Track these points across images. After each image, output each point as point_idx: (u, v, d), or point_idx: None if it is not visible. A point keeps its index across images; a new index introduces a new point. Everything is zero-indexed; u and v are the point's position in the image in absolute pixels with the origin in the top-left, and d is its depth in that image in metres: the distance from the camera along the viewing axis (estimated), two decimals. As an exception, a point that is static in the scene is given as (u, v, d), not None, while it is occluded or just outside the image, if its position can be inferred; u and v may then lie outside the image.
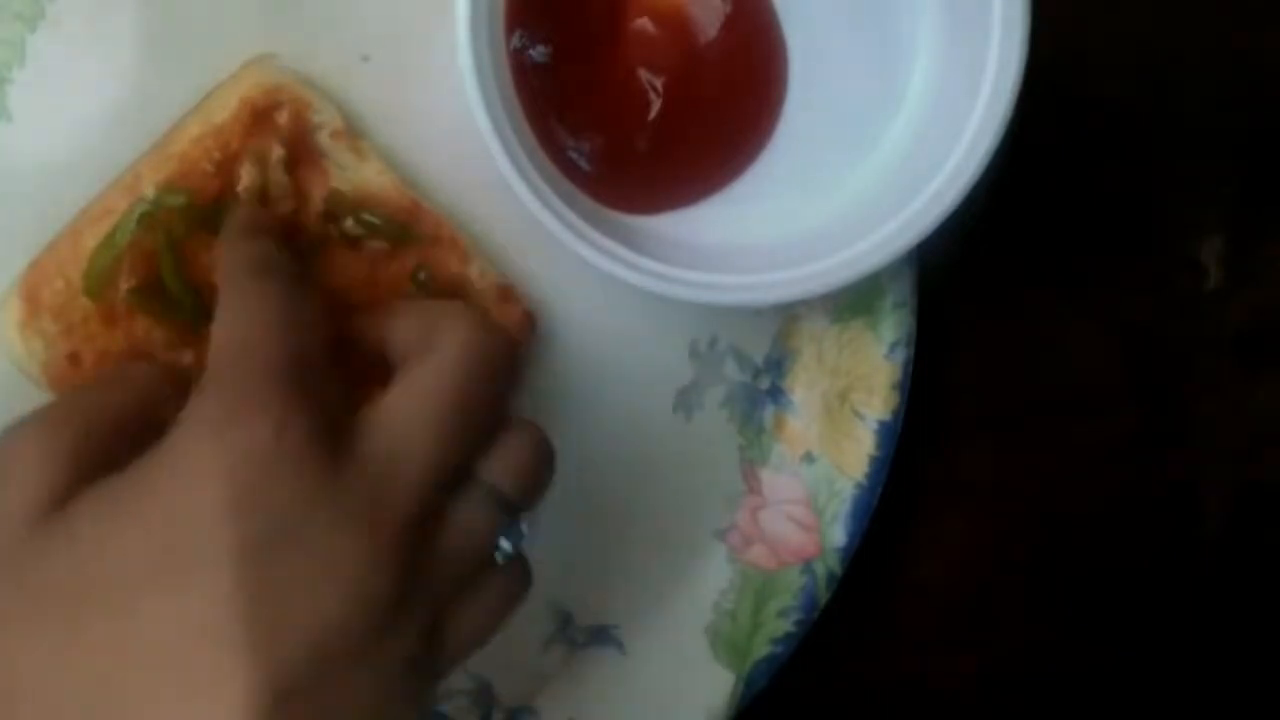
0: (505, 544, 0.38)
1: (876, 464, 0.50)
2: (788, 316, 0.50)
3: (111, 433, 0.36)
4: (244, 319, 0.37)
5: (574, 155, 0.46)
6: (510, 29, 0.45)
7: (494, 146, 0.43)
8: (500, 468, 0.38)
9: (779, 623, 0.50)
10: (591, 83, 0.47)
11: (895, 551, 0.53)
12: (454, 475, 0.37)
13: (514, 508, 0.38)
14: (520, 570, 0.39)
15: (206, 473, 0.33)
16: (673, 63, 0.47)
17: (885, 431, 0.50)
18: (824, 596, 0.50)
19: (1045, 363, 0.54)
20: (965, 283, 0.52)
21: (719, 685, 0.50)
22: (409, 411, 0.36)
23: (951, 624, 0.54)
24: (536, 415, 0.48)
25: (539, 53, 0.46)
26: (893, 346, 0.50)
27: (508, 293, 0.46)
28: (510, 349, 0.40)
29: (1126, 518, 0.55)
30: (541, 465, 0.39)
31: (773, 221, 0.48)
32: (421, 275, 0.45)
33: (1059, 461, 0.54)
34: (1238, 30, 0.54)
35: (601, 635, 0.50)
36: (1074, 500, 0.55)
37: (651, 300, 0.45)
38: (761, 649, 0.50)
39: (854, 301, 0.50)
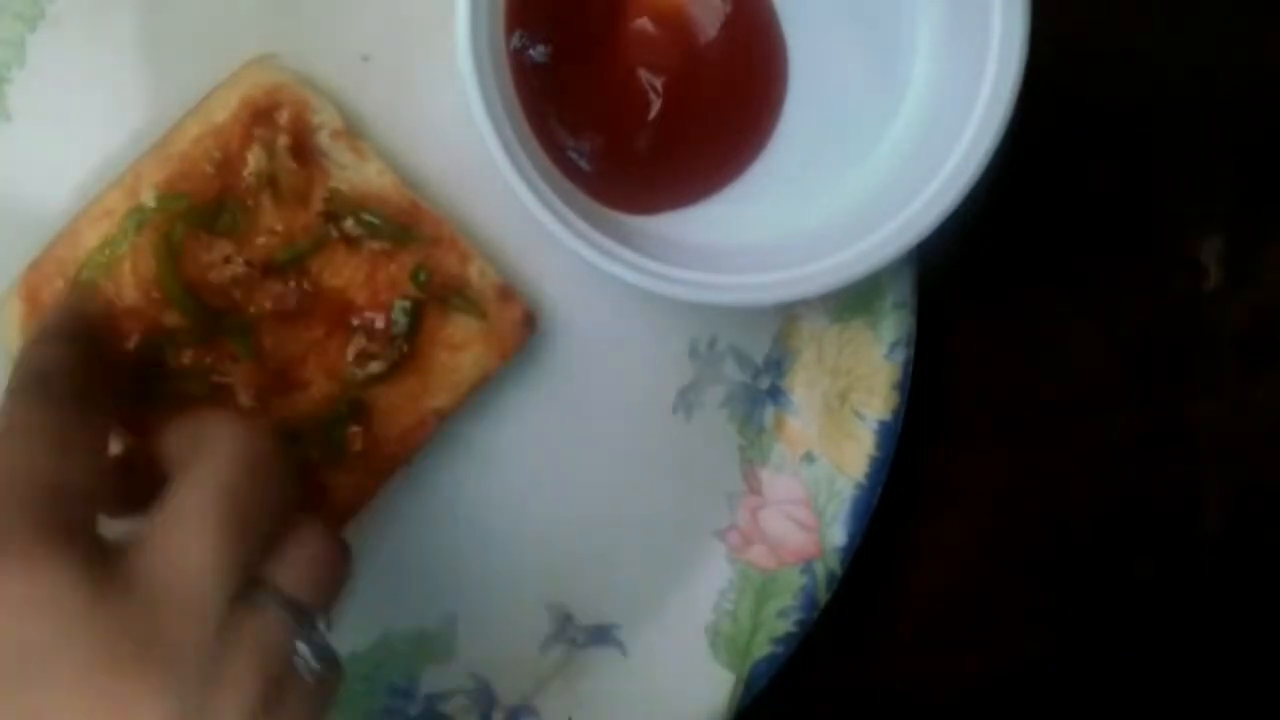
0: (304, 649, 0.35)
1: (876, 464, 0.50)
2: (788, 316, 0.50)
3: None
4: (4, 446, 0.35)
5: (574, 155, 0.46)
6: (510, 29, 0.45)
7: (494, 146, 0.43)
8: (290, 573, 0.36)
9: (779, 623, 0.50)
10: (591, 83, 0.47)
11: (895, 551, 0.53)
12: (238, 589, 0.34)
13: (308, 612, 0.36)
14: (328, 670, 0.36)
15: None
16: (673, 63, 0.47)
17: (885, 431, 0.50)
18: (824, 596, 0.50)
19: (1045, 363, 0.54)
20: (965, 283, 0.52)
21: (719, 685, 0.50)
22: (179, 530, 0.34)
23: (952, 624, 0.54)
24: (537, 415, 0.48)
25: (539, 53, 0.46)
26: (893, 346, 0.50)
27: (508, 293, 0.46)
28: (279, 452, 0.37)
29: (1126, 518, 0.55)
30: (334, 564, 0.37)
31: (773, 221, 0.48)
32: (422, 276, 0.45)
33: (1059, 461, 0.54)
34: (1237, 31, 0.54)
35: (601, 635, 0.50)
36: (1074, 500, 0.55)
37: (651, 300, 0.45)
38: (761, 649, 0.50)
39: (854, 301, 0.50)
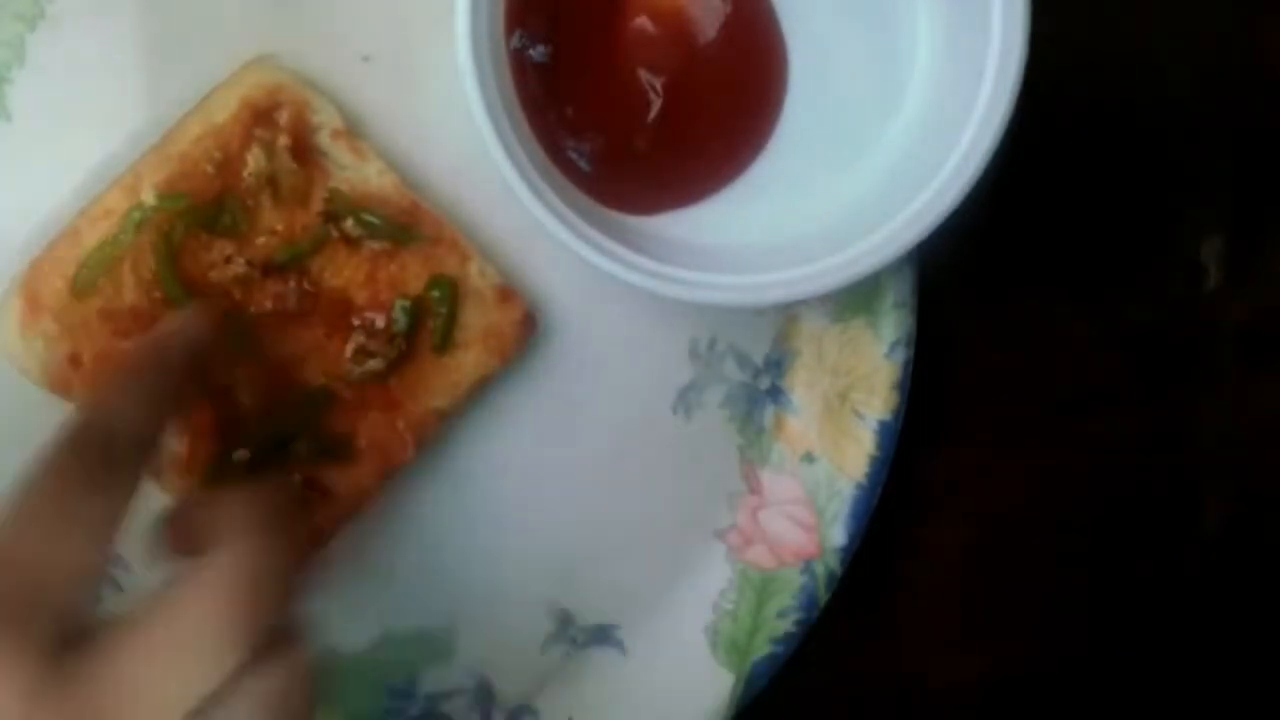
0: None
1: (876, 464, 0.50)
2: (788, 316, 0.50)
3: None
4: (32, 550, 0.34)
5: (574, 155, 0.46)
6: (510, 29, 0.45)
7: (494, 146, 0.43)
8: (256, 695, 0.34)
9: (779, 623, 0.50)
10: (591, 83, 0.47)
11: (895, 551, 0.53)
12: (192, 711, 0.33)
13: None
14: None
15: None
16: (673, 63, 0.47)
17: (885, 431, 0.50)
18: (824, 596, 0.50)
19: (1045, 363, 0.54)
20: (965, 283, 0.52)
21: (719, 685, 0.50)
22: (157, 637, 0.33)
23: (951, 624, 0.54)
24: (537, 415, 0.48)
25: (539, 53, 0.46)
26: (893, 346, 0.50)
27: (507, 293, 0.46)
28: (294, 556, 0.36)
29: (1127, 518, 0.55)
30: (301, 703, 0.35)
31: (773, 221, 0.48)
32: (440, 289, 0.46)
33: (1059, 461, 0.54)
34: (1238, 30, 0.54)
35: (601, 635, 0.50)
36: (1074, 500, 0.55)
37: (651, 300, 0.45)
38: (761, 649, 0.50)
39: (854, 301, 0.50)
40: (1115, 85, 0.54)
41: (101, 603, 0.47)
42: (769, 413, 0.50)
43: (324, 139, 0.45)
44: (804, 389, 0.50)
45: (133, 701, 0.33)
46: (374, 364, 0.45)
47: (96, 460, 0.35)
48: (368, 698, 0.48)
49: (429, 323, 0.46)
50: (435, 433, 0.46)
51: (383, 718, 0.49)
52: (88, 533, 0.35)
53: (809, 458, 0.50)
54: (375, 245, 0.45)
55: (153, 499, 0.45)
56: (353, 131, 0.46)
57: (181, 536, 0.38)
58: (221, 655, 0.33)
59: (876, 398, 0.50)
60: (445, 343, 0.46)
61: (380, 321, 0.45)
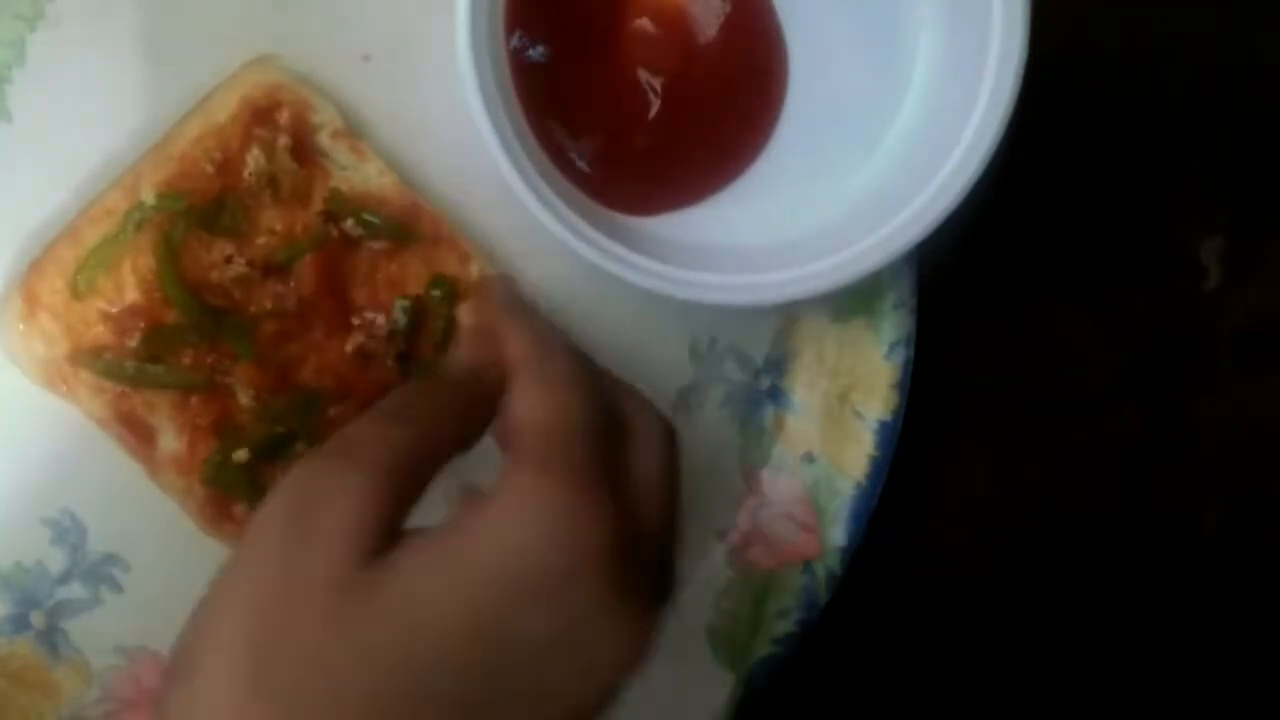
0: None
1: (876, 464, 0.50)
2: (788, 316, 0.50)
3: (416, 475, 0.36)
4: (562, 394, 0.37)
5: (574, 155, 0.46)
6: (510, 29, 0.45)
7: (494, 146, 0.43)
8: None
9: (779, 623, 0.50)
10: (591, 83, 0.47)
11: (895, 551, 0.53)
12: None
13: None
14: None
15: (523, 556, 0.34)
16: (673, 63, 0.47)
17: (885, 431, 0.50)
18: (824, 596, 0.50)
19: (1045, 363, 0.54)
20: (965, 283, 0.52)
21: (719, 685, 0.50)
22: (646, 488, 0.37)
23: (951, 624, 0.54)
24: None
25: (539, 53, 0.46)
26: (893, 346, 0.50)
27: (508, 293, 0.46)
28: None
29: (1126, 518, 0.55)
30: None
31: (773, 221, 0.48)
32: (439, 290, 0.46)
33: (1059, 462, 0.54)
34: (1238, 30, 0.54)
35: (601, 635, 0.50)
36: (1074, 500, 0.55)
37: (651, 300, 0.45)
38: (761, 649, 0.50)
39: (854, 301, 0.50)
40: (1115, 85, 0.54)
41: (102, 603, 0.47)
42: (769, 413, 0.50)
43: (324, 139, 0.45)
44: (804, 389, 0.50)
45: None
46: (374, 364, 0.45)
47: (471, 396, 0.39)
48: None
49: (429, 322, 0.46)
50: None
51: (383, 718, 0.48)
52: (463, 431, 0.38)
53: (809, 458, 0.50)
54: (375, 245, 0.45)
55: (156, 495, 0.45)
56: (353, 131, 0.46)
57: None
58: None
59: (876, 398, 0.50)
60: (445, 342, 0.46)
61: (380, 321, 0.45)
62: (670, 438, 0.39)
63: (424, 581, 0.33)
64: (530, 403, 0.37)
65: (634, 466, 0.37)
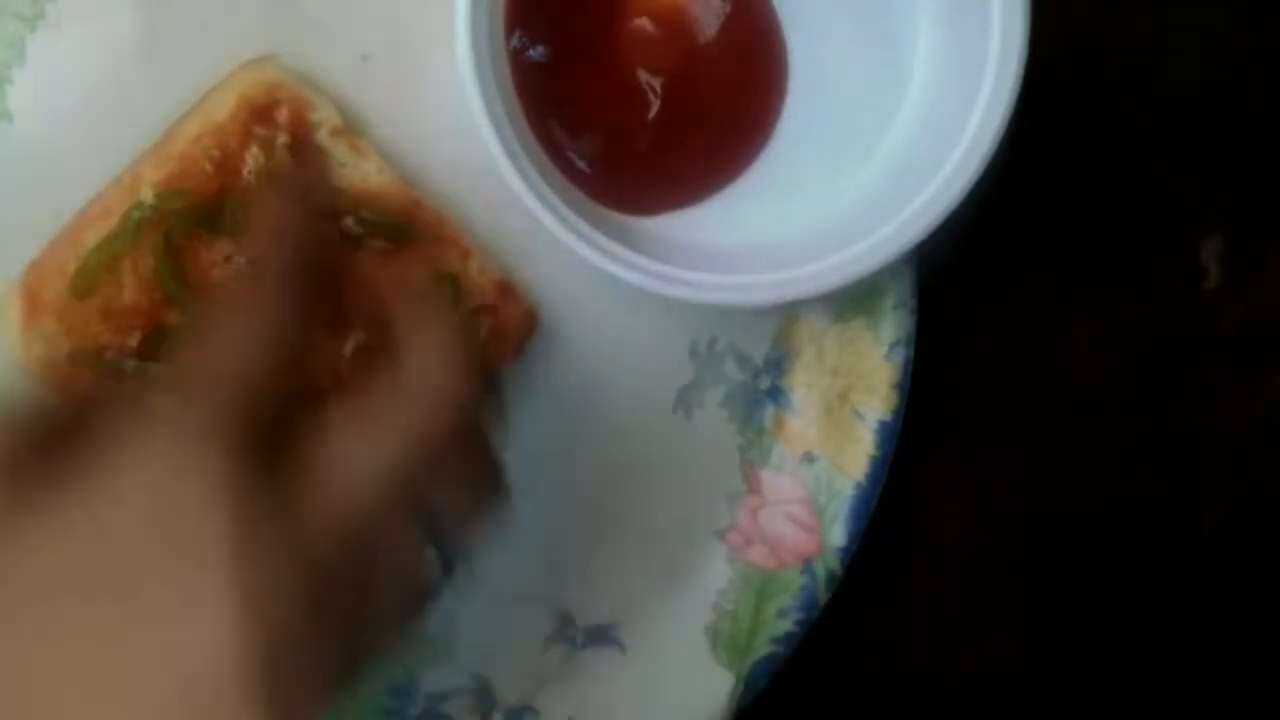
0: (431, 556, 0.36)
1: (876, 464, 0.50)
2: (788, 316, 0.50)
3: (264, 396, 0.34)
4: (239, 336, 0.34)
5: (574, 155, 0.46)
6: (510, 29, 0.45)
7: (494, 146, 0.43)
8: (450, 500, 0.36)
9: (779, 623, 0.50)
10: (591, 83, 0.47)
11: (895, 551, 0.53)
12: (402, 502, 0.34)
13: (452, 539, 0.36)
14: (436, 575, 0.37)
15: (151, 488, 0.31)
16: (672, 63, 0.47)
17: (885, 431, 0.50)
18: (824, 596, 0.50)
19: (1045, 363, 0.54)
20: (965, 283, 0.52)
21: (719, 685, 0.50)
22: (361, 458, 0.34)
23: (951, 624, 0.54)
24: (537, 415, 0.48)
25: (539, 53, 0.46)
26: (893, 346, 0.50)
27: (508, 291, 0.46)
28: (489, 379, 0.38)
29: (1126, 518, 0.55)
30: (489, 500, 0.37)
31: (773, 221, 0.48)
32: (449, 285, 0.46)
33: (1059, 461, 0.54)
34: (1238, 30, 0.54)
35: (601, 635, 0.50)
36: (1074, 501, 0.55)
37: (651, 300, 0.45)
38: (761, 649, 0.50)
39: (854, 301, 0.50)
40: (1115, 85, 0.54)
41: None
42: (769, 413, 0.50)
43: (323, 137, 0.45)
44: (804, 389, 0.50)
45: (349, 521, 0.33)
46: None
47: (300, 263, 0.35)
48: (367, 698, 0.48)
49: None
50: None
51: (383, 718, 0.49)
52: (297, 343, 0.35)
53: (809, 458, 0.50)
54: (375, 244, 0.45)
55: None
56: (352, 129, 0.46)
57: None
58: (419, 480, 0.34)
59: (876, 398, 0.50)
60: None
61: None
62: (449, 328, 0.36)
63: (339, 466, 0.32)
64: (206, 325, 0.34)
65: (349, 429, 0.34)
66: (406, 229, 0.45)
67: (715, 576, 0.50)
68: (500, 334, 0.46)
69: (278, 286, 0.35)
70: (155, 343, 0.44)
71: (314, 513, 0.32)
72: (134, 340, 0.44)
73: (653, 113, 0.47)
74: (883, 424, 0.50)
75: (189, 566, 0.31)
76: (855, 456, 0.50)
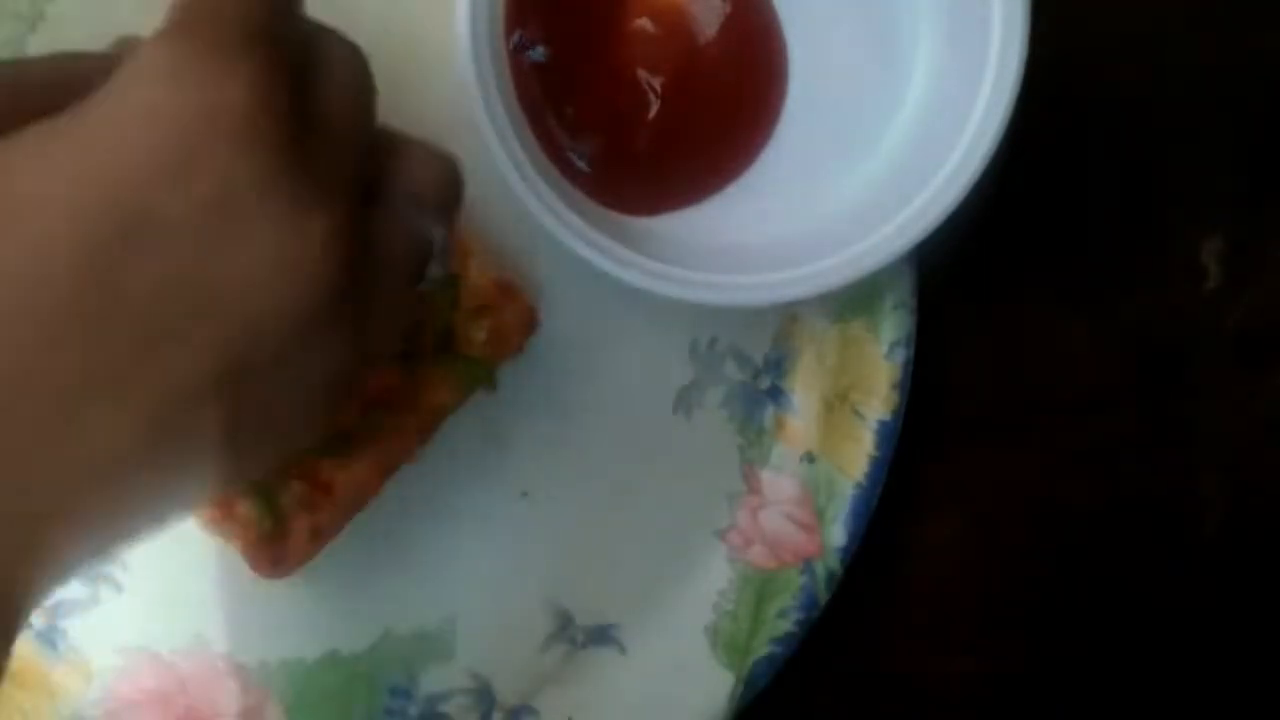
0: (434, 269, 0.36)
1: (876, 464, 0.50)
2: (788, 316, 0.50)
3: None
4: None
5: (573, 155, 0.46)
6: (510, 29, 0.45)
7: (494, 146, 0.43)
8: (410, 175, 0.35)
9: (779, 623, 0.50)
10: (591, 83, 0.47)
11: (895, 551, 0.53)
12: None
13: (434, 213, 0.35)
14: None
15: (154, 123, 0.29)
16: (672, 63, 0.47)
17: (885, 431, 0.50)
18: (824, 596, 0.50)
19: (1045, 363, 0.54)
20: (965, 283, 0.52)
21: (719, 685, 0.50)
22: (344, 86, 0.34)
23: (951, 624, 0.54)
24: (536, 415, 0.48)
25: (539, 53, 0.46)
26: (893, 346, 0.50)
27: (509, 289, 0.46)
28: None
29: (1126, 518, 0.55)
30: (449, 167, 0.36)
31: (773, 221, 0.48)
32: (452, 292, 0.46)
33: (1058, 461, 0.54)
34: (1238, 30, 0.54)
35: (601, 635, 0.50)
36: (1073, 501, 0.55)
37: (651, 300, 0.45)
38: (761, 649, 0.50)
39: (854, 301, 0.50)
40: (1115, 85, 0.54)
41: (102, 603, 0.47)
42: (769, 413, 0.50)
43: (324, 139, 0.45)
44: (804, 389, 0.50)
45: (350, 153, 0.33)
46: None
47: None
48: (368, 698, 0.48)
49: (430, 320, 0.46)
50: (436, 430, 0.46)
51: (383, 718, 0.49)
52: None
53: (809, 458, 0.50)
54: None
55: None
56: (353, 131, 0.46)
57: None
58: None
59: (876, 398, 0.50)
60: (447, 341, 0.46)
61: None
62: (358, 59, 0.36)
63: (36, 163, 0.29)
64: None
65: (319, 85, 0.33)
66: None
67: (715, 576, 0.50)
68: (500, 334, 0.46)
69: None
70: None
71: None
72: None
73: (653, 113, 0.47)
74: (883, 424, 0.50)
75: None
76: (855, 456, 0.50)
